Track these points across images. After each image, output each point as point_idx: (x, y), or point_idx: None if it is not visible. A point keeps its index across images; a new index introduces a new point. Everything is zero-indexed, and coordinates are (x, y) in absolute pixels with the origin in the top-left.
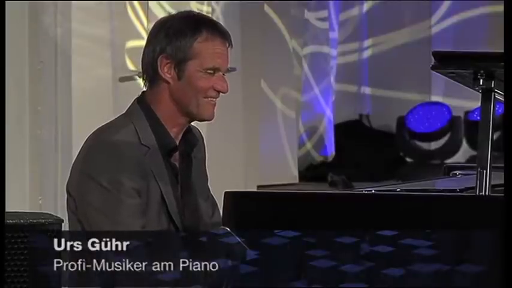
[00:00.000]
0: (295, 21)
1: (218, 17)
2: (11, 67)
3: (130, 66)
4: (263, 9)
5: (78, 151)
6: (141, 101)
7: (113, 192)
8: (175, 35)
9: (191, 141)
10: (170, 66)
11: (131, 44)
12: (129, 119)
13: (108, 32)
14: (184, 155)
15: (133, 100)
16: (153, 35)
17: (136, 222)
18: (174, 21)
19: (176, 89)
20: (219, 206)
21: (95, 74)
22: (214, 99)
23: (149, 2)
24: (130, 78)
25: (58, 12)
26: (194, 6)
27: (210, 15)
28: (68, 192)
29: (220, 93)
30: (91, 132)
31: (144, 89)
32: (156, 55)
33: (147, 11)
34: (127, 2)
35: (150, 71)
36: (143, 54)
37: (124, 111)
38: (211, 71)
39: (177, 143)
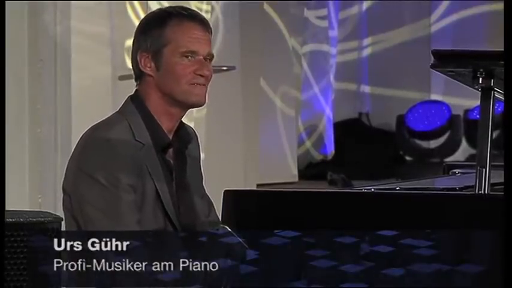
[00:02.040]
0: (295, 20)
1: (218, 16)
2: (10, 66)
3: (130, 64)
4: (262, 8)
5: (73, 149)
6: (134, 98)
7: (109, 188)
8: (146, 28)
9: (185, 138)
10: (148, 59)
11: (131, 42)
12: (123, 116)
13: (108, 30)
14: (178, 152)
15: (126, 98)
16: (134, 37)
17: (132, 218)
18: (146, 18)
19: (158, 80)
20: (214, 206)
21: (95, 72)
22: (200, 84)
23: (149, 1)
24: (130, 77)
25: (58, 11)
26: (194, 5)
27: (209, 14)
28: (63, 190)
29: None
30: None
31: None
32: (135, 53)
33: (147, 10)
34: (127, 1)
35: (136, 70)
36: (131, 56)
37: (118, 109)
38: (188, 55)
39: (171, 138)
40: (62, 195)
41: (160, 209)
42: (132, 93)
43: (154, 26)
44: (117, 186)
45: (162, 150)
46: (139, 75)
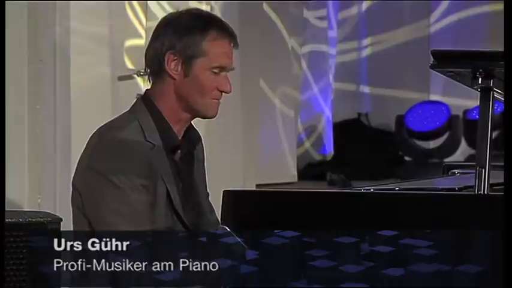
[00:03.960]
0: (294, 20)
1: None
2: (10, 66)
3: (129, 65)
4: (262, 8)
5: (84, 147)
6: (145, 98)
7: (124, 189)
8: (184, 32)
9: (193, 140)
10: (177, 63)
11: (130, 43)
12: (133, 116)
13: (107, 31)
14: (186, 153)
15: (136, 98)
16: (160, 31)
17: (147, 218)
18: (183, 19)
19: (182, 86)
20: (215, 211)
21: (94, 72)
22: (218, 99)
23: (148, 1)
24: (129, 77)
25: (57, 11)
26: (193, 5)
27: None
28: (73, 186)
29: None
30: (95, 129)
31: (148, 86)
32: (163, 51)
33: (146, 10)
34: (126, 1)
35: (155, 67)
36: (148, 49)
37: (128, 109)
38: (217, 70)
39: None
40: (61, 195)
41: (170, 209)
42: (143, 93)
43: (191, 32)
44: (131, 187)
45: (171, 151)
46: (158, 73)
